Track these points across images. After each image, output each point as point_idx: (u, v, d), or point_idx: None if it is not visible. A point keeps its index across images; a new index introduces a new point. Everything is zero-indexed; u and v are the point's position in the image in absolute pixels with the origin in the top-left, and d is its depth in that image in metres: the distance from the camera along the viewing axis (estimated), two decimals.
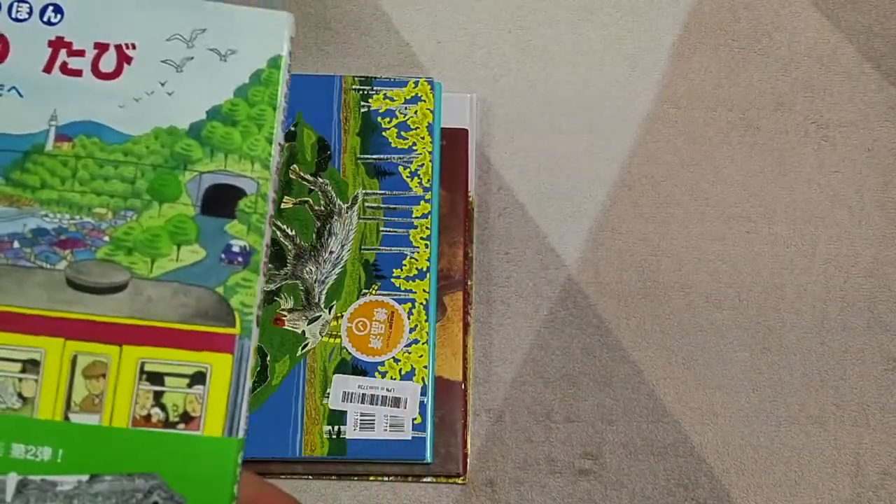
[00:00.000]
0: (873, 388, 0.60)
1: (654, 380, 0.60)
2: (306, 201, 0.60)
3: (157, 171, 0.38)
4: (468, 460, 0.58)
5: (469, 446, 0.58)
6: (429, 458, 0.56)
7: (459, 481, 0.57)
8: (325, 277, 0.59)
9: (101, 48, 0.39)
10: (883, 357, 0.60)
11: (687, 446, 0.58)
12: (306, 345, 0.58)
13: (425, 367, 0.57)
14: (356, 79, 0.63)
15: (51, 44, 0.39)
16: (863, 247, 0.63)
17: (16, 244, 0.37)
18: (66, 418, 0.36)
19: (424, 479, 0.57)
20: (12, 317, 0.36)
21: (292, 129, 0.62)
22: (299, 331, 0.58)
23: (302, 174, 0.60)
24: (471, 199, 0.63)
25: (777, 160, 0.65)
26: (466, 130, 0.64)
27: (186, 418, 0.37)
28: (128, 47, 0.39)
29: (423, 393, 0.57)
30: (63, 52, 0.39)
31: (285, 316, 0.58)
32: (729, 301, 0.61)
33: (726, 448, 0.58)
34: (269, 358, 0.57)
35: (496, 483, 0.57)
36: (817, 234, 0.63)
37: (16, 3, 0.39)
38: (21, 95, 0.38)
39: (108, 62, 0.39)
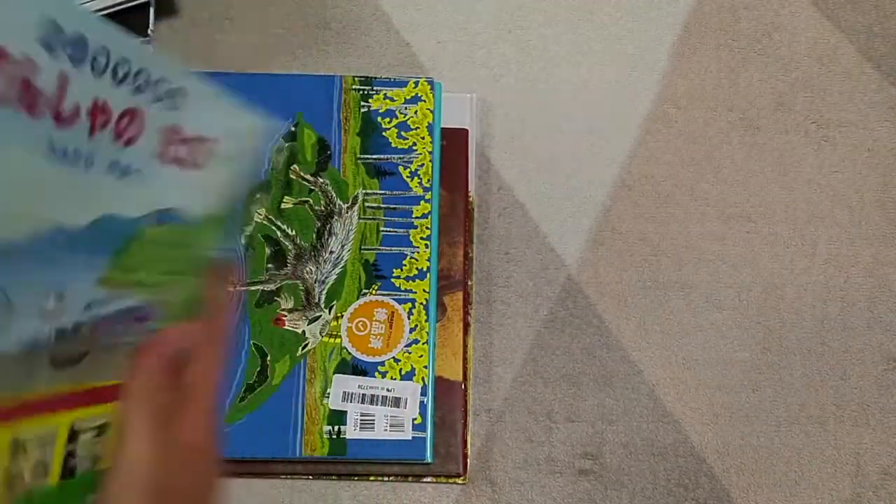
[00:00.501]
0: (873, 388, 0.60)
1: (654, 380, 0.60)
2: (306, 201, 0.60)
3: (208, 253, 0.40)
4: (468, 460, 0.58)
5: (469, 446, 0.58)
6: (429, 458, 0.56)
7: (459, 481, 0.57)
8: (326, 277, 0.59)
9: (200, 140, 0.38)
10: (883, 357, 0.60)
11: (687, 446, 0.58)
12: (306, 345, 0.58)
13: (425, 367, 0.57)
14: (356, 79, 0.63)
15: (167, 130, 0.37)
16: (863, 247, 0.63)
17: (115, 325, 0.37)
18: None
19: (424, 479, 0.57)
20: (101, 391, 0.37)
21: (292, 129, 0.62)
22: (299, 331, 0.58)
23: (302, 174, 0.60)
24: (471, 199, 0.63)
25: (777, 160, 0.65)
26: (466, 130, 0.64)
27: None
28: (208, 140, 0.39)
29: (423, 393, 0.57)
30: (175, 138, 0.37)
31: (285, 316, 0.58)
32: (729, 301, 0.61)
33: (726, 448, 0.58)
34: (268, 358, 0.57)
35: (496, 483, 0.57)
36: (817, 234, 0.63)
37: (159, 82, 0.35)
38: (140, 178, 0.36)
39: (201, 153, 0.39)
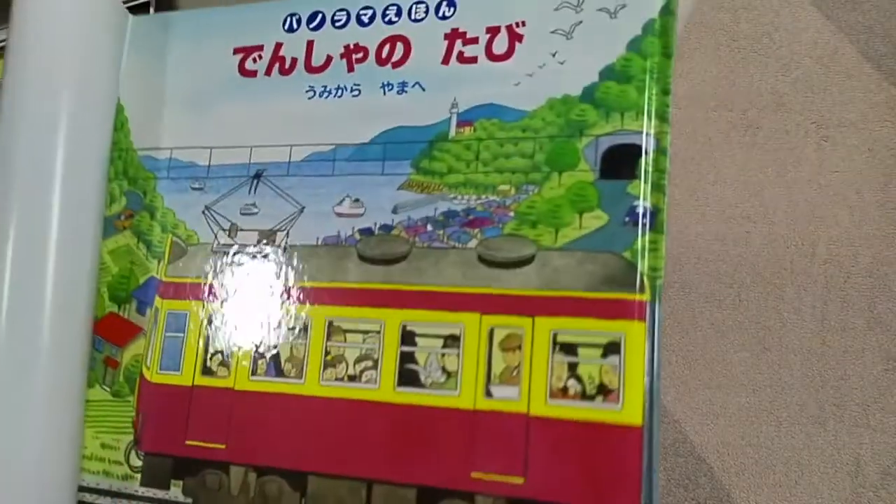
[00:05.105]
0: (874, 389, 0.60)
1: None
2: None
3: (554, 141, 0.39)
4: None
5: None
6: None
7: None
8: None
9: (493, 31, 0.41)
10: (883, 357, 0.60)
11: (687, 446, 0.58)
12: None
13: None
14: None
15: (446, 36, 0.42)
16: (863, 247, 0.63)
17: (429, 227, 0.40)
18: (488, 392, 0.37)
19: None
20: (433, 295, 0.39)
21: None
22: None
23: None
24: None
25: (777, 160, 0.65)
26: None
27: (604, 391, 0.37)
28: (518, 25, 0.40)
29: None
30: (458, 42, 0.41)
31: None
32: (729, 301, 0.61)
33: (726, 448, 0.58)
34: None
35: None
36: (817, 234, 0.63)
37: (415, 5, 0.43)
38: (423, 89, 0.41)
39: (500, 44, 0.41)
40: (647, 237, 0.37)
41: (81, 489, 0.49)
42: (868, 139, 0.65)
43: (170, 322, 0.46)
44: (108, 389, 0.48)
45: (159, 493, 0.45)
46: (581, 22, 0.40)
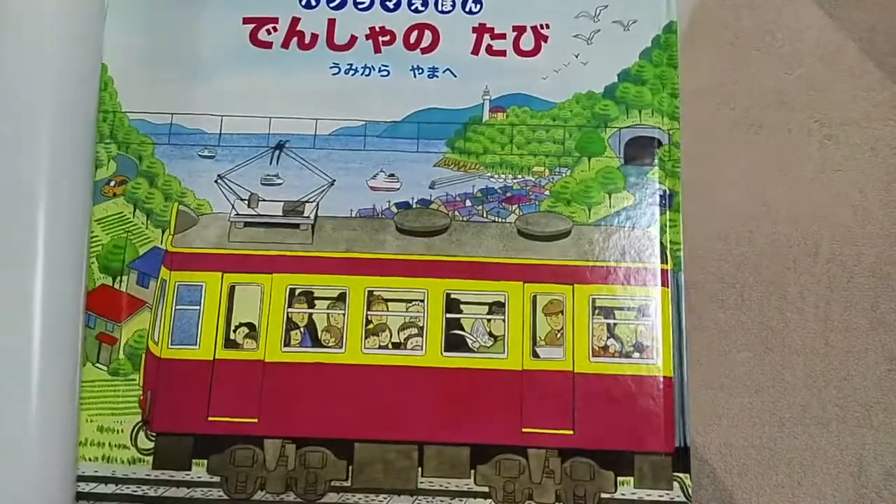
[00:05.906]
0: (876, 389, 0.59)
1: None
2: None
3: (582, 130, 0.45)
4: None
5: None
6: None
7: None
8: None
9: (520, 30, 0.47)
10: (886, 357, 0.60)
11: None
12: None
13: None
14: None
15: (474, 30, 0.47)
16: (866, 246, 0.62)
17: (467, 203, 0.44)
18: (535, 353, 0.42)
19: None
20: (476, 265, 0.43)
21: None
22: None
23: None
24: None
25: (780, 158, 0.64)
26: None
27: (640, 348, 0.44)
28: (543, 27, 0.47)
29: None
30: (486, 36, 0.47)
31: None
32: (731, 301, 0.61)
33: (729, 449, 0.58)
34: None
35: None
36: (820, 234, 0.63)
37: None
38: (455, 76, 0.46)
39: (527, 41, 0.47)
40: (667, 216, 0.45)
41: (78, 478, 0.46)
42: (871, 138, 0.65)
43: (181, 294, 0.45)
44: (104, 368, 0.46)
45: (178, 475, 0.44)
46: (599, 30, 0.46)
